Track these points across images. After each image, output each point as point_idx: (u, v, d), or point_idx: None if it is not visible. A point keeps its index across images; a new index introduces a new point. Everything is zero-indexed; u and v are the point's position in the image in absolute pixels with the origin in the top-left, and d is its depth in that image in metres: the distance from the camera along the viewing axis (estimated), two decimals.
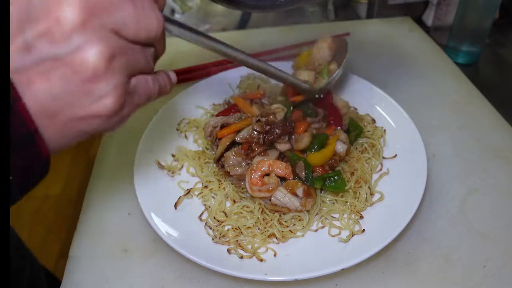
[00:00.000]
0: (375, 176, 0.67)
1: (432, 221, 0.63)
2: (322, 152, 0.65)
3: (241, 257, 0.56)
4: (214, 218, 0.62)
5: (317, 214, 0.62)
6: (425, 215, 0.63)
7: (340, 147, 0.66)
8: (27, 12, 0.29)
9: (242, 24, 1.17)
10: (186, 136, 0.77)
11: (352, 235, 0.58)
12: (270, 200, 0.61)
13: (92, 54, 0.30)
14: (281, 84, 0.76)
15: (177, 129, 0.78)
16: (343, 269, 0.53)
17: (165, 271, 0.58)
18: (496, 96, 0.86)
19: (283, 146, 0.66)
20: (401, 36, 1.07)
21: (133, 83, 0.36)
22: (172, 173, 0.69)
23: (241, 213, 0.62)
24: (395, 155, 0.69)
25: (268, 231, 0.60)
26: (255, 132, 0.65)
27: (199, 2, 1.14)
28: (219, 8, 1.13)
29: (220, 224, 0.61)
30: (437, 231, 0.61)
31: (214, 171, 0.69)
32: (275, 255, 0.57)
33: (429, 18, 1.14)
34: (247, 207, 0.63)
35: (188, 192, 0.66)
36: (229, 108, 0.75)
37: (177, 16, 1.15)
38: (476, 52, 0.98)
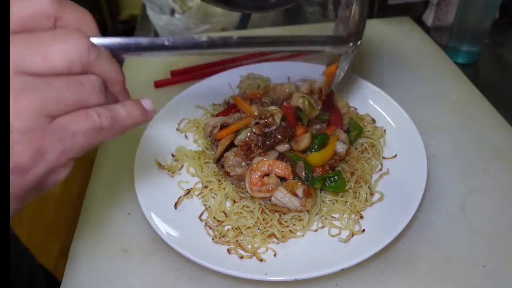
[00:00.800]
0: (375, 176, 0.67)
1: (432, 221, 0.63)
2: (322, 152, 0.65)
3: (241, 257, 0.56)
4: (214, 218, 0.62)
5: (317, 214, 0.62)
6: (425, 215, 0.63)
7: (340, 147, 0.66)
8: None
9: (242, 24, 1.17)
10: (186, 136, 0.77)
11: (352, 235, 0.58)
12: (270, 200, 0.62)
13: None
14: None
15: (177, 129, 0.78)
16: (343, 269, 0.53)
17: (165, 271, 0.58)
18: (496, 96, 0.86)
19: (282, 147, 0.66)
20: (401, 36, 1.07)
21: (61, 122, 0.30)
22: (172, 173, 0.69)
23: (241, 213, 0.62)
24: (395, 155, 0.69)
25: (268, 231, 0.60)
26: (254, 135, 0.65)
27: (199, 2, 1.14)
28: (219, 8, 1.13)
29: (220, 224, 0.61)
30: (437, 231, 0.61)
31: (214, 171, 0.69)
32: (275, 255, 0.57)
33: (429, 18, 1.14)
34: (247, 207, 0.63)
35: (188, 192, 0.66)
36: (229, 108, 0.75)
37: (177, 16, 1.15)
38: (476, 52, 0.98)
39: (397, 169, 0.67)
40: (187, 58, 1.00)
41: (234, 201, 0.64)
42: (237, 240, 0.59)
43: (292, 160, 0.64)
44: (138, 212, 0.64)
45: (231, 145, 0.68)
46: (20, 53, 0.28)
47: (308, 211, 0.61)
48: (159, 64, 1.00)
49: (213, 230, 0.61)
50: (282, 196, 0.60)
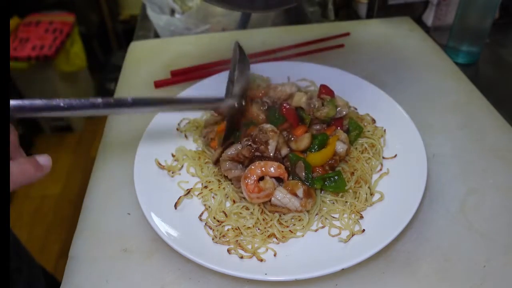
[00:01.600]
0: (375, 176, 0.67)
1: (432, 221, 0.63)
2: (322, 152, 0.65)
3: (241, 257, 0.56)
4: (214, 218, 0.62)
5: (317, 214, 0.62)
6: (425, 215, 0.63)
7: (340, 147, 0.66)
8: None
9: (242, 24, 1.17)
10: (186, 136, 0.77)
11: (352, 235, 0.58)
12: (270, 201, 0.61)
13: None
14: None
15: (177, 129, 0.78)
16: (343, 269, 0.53)
17: (165, 271, 0.58)
18: (496, 96, 0.86)
19: (282, 151, 0.66)
20: (401, 36, 1.07)
21: None
22: (172, 173, 0.69)
23: (241, 213, 0.62)
24: (395, 155, 0.69)
25: (268, 231, 0.60)
26: (242, 154, 0.65)
27: (199, 2, 1.14)
28: (219, 8, 1.13)
29: (220, 224, 0.61)
30: (437, 231, 0.61)
31: (214, 171, 0.69)
32: (275, 255, 0.57)
33: (429, 18, 1.14)
34: (247, 208, 0.63)
35: (188, 192, 0.66)
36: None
37: (177, 16, 1.15)
38: (476, 52, 0.98)
39: (397, 169, 0.67)
40: (187, 58, 1.00)
41: (234, 201, 0.64)
42: (237, 240, 0.59)
43: (292, 160, 0.64)
44: (138, 212, 0.64)
45: (230, 144, 0.68)
46: None
47: (308, 211, 0.61)
48: (159, 64, 1.00)
49: (213, 230, 0.61)
50: (282, 196, 0.60)
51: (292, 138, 0.67)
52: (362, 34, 1.07)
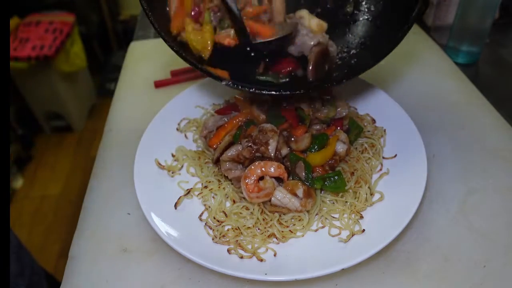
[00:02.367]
0: (375, 176, 0.67)
1: (432, 221, 0.63)
2: (322, 152, 0.65)
3: (241, 257, 0.56)
4: (214, 218, 0.62)
5: (317, 214, 0.62)
6: (425, 215, 0.63)
7: (340, 147, 0.66)
8: None
9: None
10: (186, 136, 0.77)
11: (352, 235, 0.58)
12: (270, 201, 0.61)
13: None
14: None
15: (177, 129, 0.78)
16: (343, 269, 0.53)
17: (165, 271, 0.58)
18: (496, 96, 0.86)
19: (283, 151, 0.66)
20: None
21: None
22: (172, 173, 0.69)
23: (241, 213, 0.62)
24: (395, 155, 0.69)
25: (268, 231, 0.60)
26: (242, 155, 0.65)
27: None
28: None
29: (220, 224, 0.61)
30: (437, 231, 0.61)
31: (214, 171, 0.69)
32: (275, 255, 0.57)
33: (429, 18, 1.14)
34: (247, 208, 0.63)
35: (188, 192, 0.66)
36: (228, 107, 0.75)
37: None
38: (476, 52, 0.98)
39: (397, 169, 0.67)
40: None
41: (234, 201, 0.64)
42: (237, 240, 0.59)
43: (292, 160, 0.64)
44: (138, 212, 0.64)
45: (230, 144, 0.68)
46: None
47: (308, 211, 0.61)
48: (159, 64, 1.00)
49: (213, 230, 0.61)
50: (282, 196, 0.60)
51: (292, 139, 0.67)
52: None
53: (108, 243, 0.62)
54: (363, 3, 0.73)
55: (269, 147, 0.63)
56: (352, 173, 0.66)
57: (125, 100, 0.91)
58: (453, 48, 0.99)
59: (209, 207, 0.64)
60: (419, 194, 0.60)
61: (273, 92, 0.61)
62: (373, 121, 0.77)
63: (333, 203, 0.63)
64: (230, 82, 0.60)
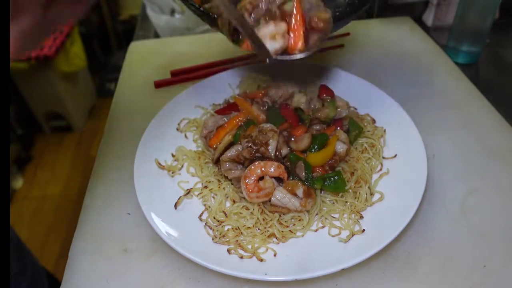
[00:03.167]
0: (375, 176, 0.67)
1: (432, 221, 0.63)
2: (322, 152, 0.65)
3: (241, 257, 0.56)
4: (214, 218, 0.62)
5: (317, 214, 0.62)
6: (425, 215, 0.63)
7: (340, 147, 0.66)
8: None
9: None
10: (186, 136, 0.77)
11: (352, 235, 0.58)
12: (270, 201, 0.61)
13: None
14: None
15: (177, 129, 0.78)
16: (343, 269, 0.53)
17: (165, 271, 0.58)
18: (496, 96, 0.86)
19: (283, 151, 0.66)
20: (401, 36, 1.07)
21: None
22: (172, 173, 0.69)
23: (241, 213, 0.62)
24: (395, 155, 0.69)
25: (268, 231, 0.60)
26: (242, 155, 0.65)
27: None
28: None
29: (220, 224, 0.61)
30: (437, 231, 0.61)
31: (214, 171, 0.69)
32: (275, 255, 0.57)
33: (429, 18, 1.14)
34: (247, 208, 0.63)
35: (188, 192, 0.66)
36: (228, 107, 0.75)
37: (177, 16, 1.15)
38: (476, 52, 0.98)
39: (397, 169, 0.67)
40: (187, 58, 1.00)
41: (234, 201, 0.64)
42: (237, 240, 0.59)
43: (292, 160, 0.64)
44: (138, 212, 0.64)
45: (230, 145, 0.68)
46: None
47: (308, 211, 0.61)
48: (159, 64, 1.00)
49: (213, 230, 0.61)
50: (282, 196, 0.60)
51: (292, 139, 0.67)
52: (362, 34, 1.07)
53: (108, 243, 0.62)
54: None
55: (269, 147, 0.63)
56: (352, 173, 0.66)
57: (125, 100, 0.91)
58: (453, 48, 0.99)
59: (209, 207, 0.64)
60: (419, 194, 0.60)
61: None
62: (373, 121, 0.77)
63: (333, 203, 0.63)
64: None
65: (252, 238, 0.59)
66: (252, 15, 0.55)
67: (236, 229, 0.60)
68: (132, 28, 1.29)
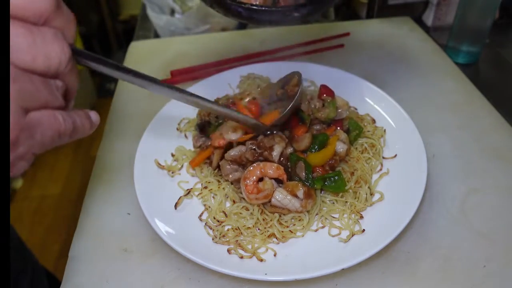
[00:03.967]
0: (375, 176, 0.67)
1: (432, 221, 0.63)
2: (322, 152, 0.65)
3: (241, 257, 0.56)
4: (214, 218, 0.62)
5: (317, 214, 0.62)
6: (425, 215, 0.63)
7: (340, 147, 0.66)
8: None
9: (242, 24, 1.17)
10: (186, 136, 0.77)
11: (352, 235, 0.58)
12: (270, 202, 0.61)
13: None
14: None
15: (177, 129, 0.78)
16: (343, 269, 0.53)
17: (165, 271, 0.58)
18: (496, 96, 0.86)
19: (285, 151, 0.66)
20: (401, 36, 1.07)
21: (34, 117, 0.31)
22: (172, 173, 0.69)
23: (240, 213, 0.62)
24: (395, 155, 0.69)
25: (268, 231, 0.60)
26: (245, 157, 0.65)
27: (199, 2, 1.14)
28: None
29: (220, 224, 0.61)
30: (437, 231, 0.61)
31: (214, 172, 0.69)
32: (275, 255, 0.57)
33: (429, 18, 1.14)
34: (247, 208, 0.63)
35: (188, 192, 0.66)
36: (228, 107, 0.75)
37: (177, 16, 1.15)
38: (476, 52, 0.98)
39: (397, 169, 0.67)
40: (187, 58, 1.00)
41: (234, 201, 0.64)
42: (237, 240, 0.59)
43: (292, 160, 0.64)
44: (138, 212, 0.64)
45: (228, 147, 0.68)
46: (19, 44, 0.29)
47: (308, 211, 0.61)
48: (159, 64, 1.00)
49: (213, 230, 0.61)
50: (282, 197, 0.60)
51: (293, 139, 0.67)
52: (362, 34, 1.07)
53: (108, 243, 0.62)
54: None
55: (273, 152, 0.63)
56: (352, 173, 0.66)
57: (125, 100, 0.91)
58: (453, 48, 0.99)
59: (209, 207, 0.64)
60: (419, 194, 0.60)
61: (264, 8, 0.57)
62: (373, 121, 0.77)
63: (333, 203, 0.63)
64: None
65: (252, 238, 0.59)
66: None
67: (236, 229, 0.60)
68: (132, 28, 1.29)
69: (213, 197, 0.65)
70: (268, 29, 1.13)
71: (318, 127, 0.71)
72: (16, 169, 0.33)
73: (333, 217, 0.62)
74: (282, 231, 0.60)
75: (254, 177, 0.62)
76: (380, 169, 0.68)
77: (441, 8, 1.09)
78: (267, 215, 0.62)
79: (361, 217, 0.61)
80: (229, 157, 0.65)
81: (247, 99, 0.74)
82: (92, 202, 0.68)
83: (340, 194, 0.64)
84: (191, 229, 0.60)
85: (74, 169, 2.23)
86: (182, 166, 0.71)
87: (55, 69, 0.32)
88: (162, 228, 0.58)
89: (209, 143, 0.69)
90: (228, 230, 0.60)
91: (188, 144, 0.75)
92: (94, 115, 0.40)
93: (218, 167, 0.68)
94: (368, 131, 0.74)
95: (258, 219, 0.61)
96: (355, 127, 0.72)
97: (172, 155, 0.72)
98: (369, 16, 1.18)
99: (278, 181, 0.63)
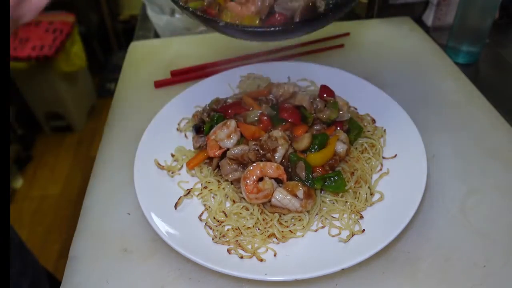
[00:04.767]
0: (375, 176, 0.67)
1: (432, 221, 0.63)
2: (322, 152, 0.65)
3: (241, 257, 0.56)
4: (214, 218, 0.62)
5: (317, 214, 0.62)
6: (425, 215, 0.63)
7: (340, 147, 0.66)
8: None
9: None
10: (186, 136, 0.77)
11: (352, 235, 0.58)
12: (270, 201, 0.61)
13: None
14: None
15: (177, 129, 0.78)
16: (343, 269, 0.53)
17: (165, 271, 0.58)
18: (496, 96, 0.86)
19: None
20: (401, 36, 1.07)
21: None
22: (172, 173, 0.69)
23: (240, 213, 0.62)
24: (395, 155, 0.69)
25: (268, 231, 0.60)
26: (247, 157, 0.65)
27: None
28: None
29: (220, 224, 0.61)
30: (437, 231, 0.61)
31: (213, 172, 0.69)
32: (275, 255, 0.57)
33: (429, 18, 1.14)
34: (247, 208, 0.63)
35: (188, 192, 0.66)
36: (228, 106, 0.75)
37: (177, 16, 1.15)
38: (476, 52, 0.98)
39: (397, 169, 0.67)
40: (187, 58, 1.00)
41: (234, 201, 0.64)
42: (237, 240, 0.59)
43: (292, 160, 0.64)
44: (138, 212, 0.64)
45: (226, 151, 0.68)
46: None
47: (308, 211, 0.61)
48: (159, 64, 1.00)
49: (213, 230, 0.61)
50: (282, 197, 0.60)
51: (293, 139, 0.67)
52: (362, 34, 1.07)
53: (108, 243, 0.62)
54: None
55: (276, 154, 0.63)
56: (352, 173, 0.66)
57: (125, 100, 0.91)
58: (453, 48, 0.99)
59: (209, 207, 0.64)
60: (419, 194, 0.60)
61: (259, 29, 0.57)
62: (373, 121, 0.77)
63: (333, 203, 0.63)
64: (223, 23, 0.56)
65: (252, 238, 0.59)
66: None
67: (236, 229, 0.60)
68: (132, 28, 1.29)
69: (213, 197, 0.65)
70: None
71: (318, 127, 0.71)
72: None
73: (333, 217, 0.62)
74: (282, 231, 0.60)
75: (254, 177, 0.62)
76: (380, 169, 0.68)
77: (441, 8, 1.09)
78: (267, 215, 0.62)
79: (361, 217, 0.61)
80: (231, 155, 0.65)
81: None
82: (92, 202, 0.69)
83: (340, 194, 0.64)
84: (191, 229, 0.60)
85: (74, 169, 2.23)
86: (182, 166, 0.71)
87: None
88: (162, 228, 0.58)
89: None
90: (228, 230, 0.60)
91: (188, 144, 0.75)
92: None
93: (218, 167, 0.68)
94: (368, 131, 0.74)
95: (258, 219, 0.61)
96: (355, 127, 0.72)
97: (172, 155, 0.72)
98: (369, 16, 1.18)
99: (278, 181, 0.63)
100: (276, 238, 0.59)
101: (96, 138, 2.36)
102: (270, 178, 0.62)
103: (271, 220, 0.61)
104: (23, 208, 2.03)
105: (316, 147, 0.66)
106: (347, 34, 1.05)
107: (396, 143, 0.72)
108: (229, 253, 0.57)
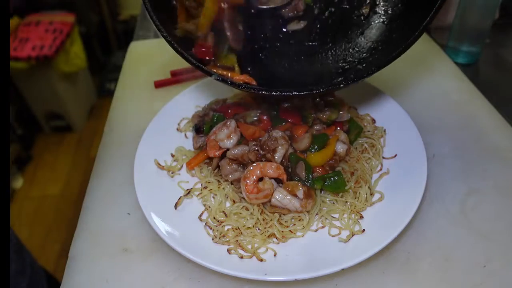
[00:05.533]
0: (375, 176, 0.67)
1: (432, 221, 0.63)
2: (322, 152, 0.65)
3: (241, 257, 0.56)
4: (214, 218, 0.62)
5: (317, 214, 0.62)
6: (425, 215, 0.63)
7: (340, 147, 0.66)
8: None
9: None
10: (186, 136, 0.77)
11: (352, 235, 0.58)
12: (270, 201, 0.61)
13: None
14: None
15: (177, 129, 0.78)
16: (343, 269, 0.53)
17: (165, 271, 0.58)
18: (496, 96, 0.86)
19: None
20: None
21: None
22: (172, 173, 0.69)
23: (240, 213, 0.62)
24: (395, 155, 0.69)
25: (268, 231, 0.60)
26: (247, 157, 0.65)
27: None
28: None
29: (220, 224, 0.61)
30: (437, 231, 0.61)
31: (213, 172, 0.69)
32: (275, 255, 0.57)
33: None
34: (247, 208, 0.63)
35: (188, 192, 0.66)
36: (228, 106, 0.75)
37: None
38: (476, 52, 0.98)
39: (397, 169, 0.67)
40: None
41: (234, 202, 0.64)
42: (237, 240, 0.59)
43: (292, 160, 0.64)
44: (138, 212, 0.64)
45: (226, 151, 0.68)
46: None
47: (308, 211, 0.61)
48: (159, 64, 1.00)
49: (213, 230, 0.61)
50: (282, 197, 0.60)
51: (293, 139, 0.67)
52: None
53: (108, 243, 0.62)
54: (380, 5, 0.69)
55: (276, 154, 0.63)
56: (352, 173, 0.66)
57: (125, 100, 0.91)
58: (453, 48, 0.99)
59: (209, 207, 0.64)
60: (419, 194, 0.60)
61: (275, 93, 0.59)
62: (373, 121, 0.77)
63: (333, 203, 0.63)
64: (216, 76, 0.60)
65: (252, 238, 0.59)
66: None
67: (236, 229, 0.60)
68: (132, 28, 1.29)
69: (213, 197, 0.65)
70: None
71: (318, 127, 0.71)
72: None
73: (333, 217, 0.62)
74: (282, 231, 0.60)
75: (254, 177, 0.62)
76: (380, 169, 0.68)
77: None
78: (267, 215, 0.62)
79: (361, 217, 0.61)
80: (231, 155, 0.65)
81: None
82: (92, 202, 0.69)
83: (340, 194, 0.64)
84: (191, 229, 0.60)
85: (74, 169, 2.23)
86: (182, 166, 0.71)
87: None
88: (162, 228, 0.58)
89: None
90: (228, 230, 0.60)
91: (188, 144, 0.75)
92: None
93: (218, 167, 0.68)
94: (368, 131, 0.74)
95: (258, 219, 0.61)
96: (355, 127, 0.72)
97: (172, 155, 0.72)
98: None
99: (278, 181, 0.63)
100: (276, 238, 0.59)
101: (96, 138, 2.36)
102: (270, 178, 0.62)
103: (271, 220, 0.61)
104: (23, 208, 2.03)
105: (316, 147, 0.66)
106: None
107: (396, 143, 0.71)
108: (229, 253, 0.57)
